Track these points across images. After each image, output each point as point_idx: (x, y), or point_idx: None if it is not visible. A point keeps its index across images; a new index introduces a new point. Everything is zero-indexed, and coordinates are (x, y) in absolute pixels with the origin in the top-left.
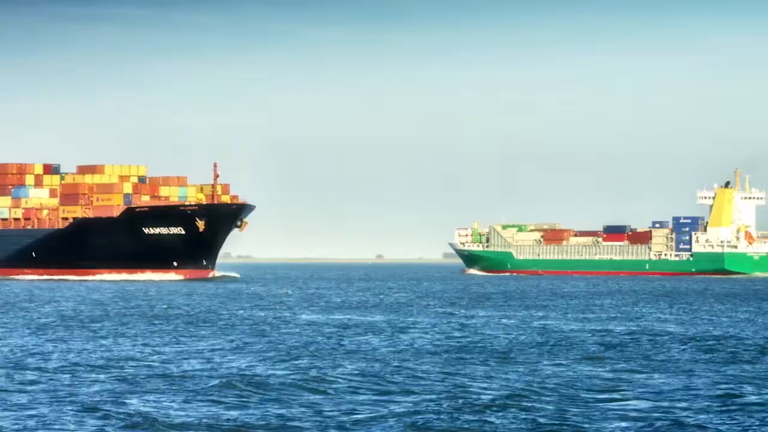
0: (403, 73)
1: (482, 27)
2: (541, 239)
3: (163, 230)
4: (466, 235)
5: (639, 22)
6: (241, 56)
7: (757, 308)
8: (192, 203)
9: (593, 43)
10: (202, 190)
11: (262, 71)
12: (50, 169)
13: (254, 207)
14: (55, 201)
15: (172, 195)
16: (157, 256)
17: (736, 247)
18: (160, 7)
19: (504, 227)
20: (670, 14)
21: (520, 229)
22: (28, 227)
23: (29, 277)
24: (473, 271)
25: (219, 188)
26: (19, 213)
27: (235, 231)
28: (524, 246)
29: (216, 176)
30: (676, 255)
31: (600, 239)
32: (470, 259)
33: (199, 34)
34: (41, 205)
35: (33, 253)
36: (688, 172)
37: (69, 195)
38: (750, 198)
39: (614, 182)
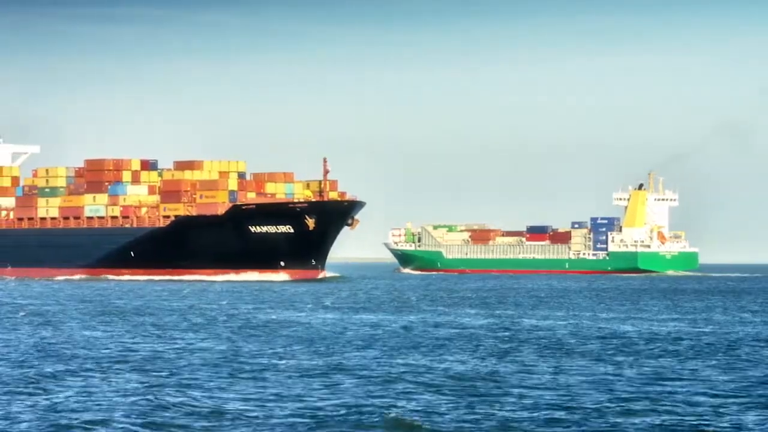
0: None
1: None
2: (469, 239)
3: (271, 229)
4: (400, 235)
5: (556, 25)
6: (308, 55)
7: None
8: (301, 200)
9: (516, 46)
10: (308, 186)
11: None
12: (148, 165)
13: (365, 204)
14: (155, 198)
15: (278, 192)
16: (264, 255)
17: (649, 246)
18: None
19: (435, 227)
20: (587, 17)
21: (450, 229)
22: (126, 225)
23: (129, 277)
24: (406, 270)
25: (327, 185)
26: (116, 211)
27: (345, 229)
28: (453, 246)
29: (326, 172)
30: (593, 254)
31: (523, 239)
32: (403, 258)
33: (286, 33)
34: (140, 202)
35: (131, 253)
36: (606, 174)
37: (170, 192)
38: (663, 200)
39: (538, 183)
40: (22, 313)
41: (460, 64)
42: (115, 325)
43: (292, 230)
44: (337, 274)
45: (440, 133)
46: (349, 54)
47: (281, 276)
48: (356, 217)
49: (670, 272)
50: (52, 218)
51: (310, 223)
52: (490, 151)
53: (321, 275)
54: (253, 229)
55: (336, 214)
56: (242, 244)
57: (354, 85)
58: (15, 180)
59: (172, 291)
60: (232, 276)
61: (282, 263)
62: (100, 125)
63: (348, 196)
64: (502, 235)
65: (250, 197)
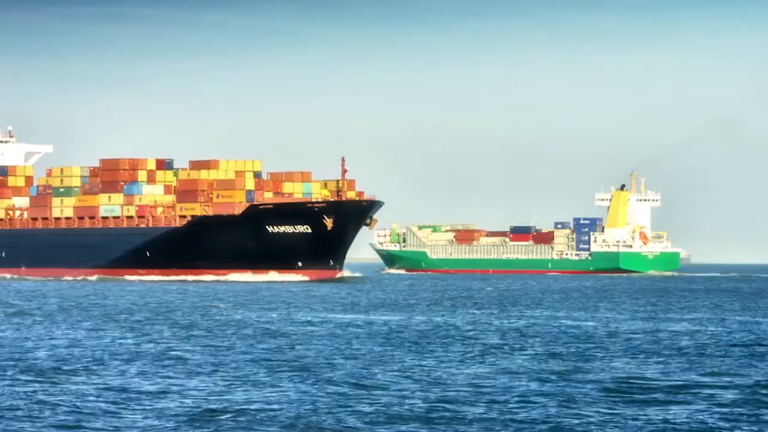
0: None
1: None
2: (454, 239)
3: (288, 228)
4: (385, 236)
5: (547, 26)
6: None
7: None
8: (320, 200)
9: (502, 47)
10: (326, 185)
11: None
12: (163, 165)
13: (383, 203)
14: (171, 198)
15: (295, 191)
16: (281, 255)
17: (631, 246)
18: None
19: (420, 228)
20: (578, 18)
21: (435, 229)
22: (142, 225)
23: (146, 277)
24: (391, 271)
25: (345, 184)
26: (132, 210)
27: (363, 229)
28: (438, 246)
29: (344, 171)
30: (576, 254)
31: (507, 239)
32: (389, 258)
33: (296, 33)
34: (156, 202)
35: (147, 253)
36: (589, 174)
37: (186, 192)
38: (645, 200)
39: (521, 184)
40: (2, 314)
41: (445, 66)
42: (102, 325)
43: (310, 230)
44: (357, 274)
45: (424, 133)
46: (349, 54)
47: (298, 276)
48: (374, 216)
49: (652, 272)
50: (67, 218)
51: (329, 222)
52: (474, 152)
53: (339, 275)
54: (270, 229)
55: (354, 214)
56: (260, 244)
57: (347, 85)
58: (29, 179)
59: (168, 291)
60: (249, 276)
61: (300, 263)
62: (113, 125)
63: (366, 196)
64: (486, 236)
65: (268, 197)
